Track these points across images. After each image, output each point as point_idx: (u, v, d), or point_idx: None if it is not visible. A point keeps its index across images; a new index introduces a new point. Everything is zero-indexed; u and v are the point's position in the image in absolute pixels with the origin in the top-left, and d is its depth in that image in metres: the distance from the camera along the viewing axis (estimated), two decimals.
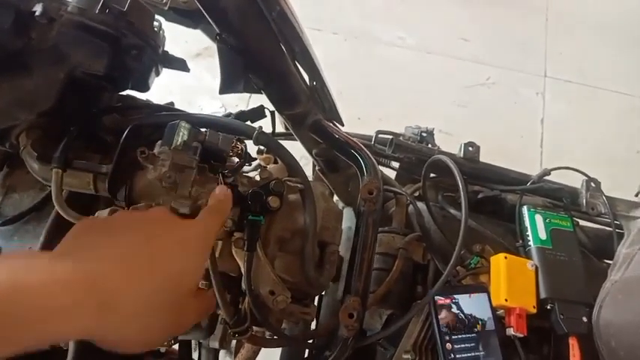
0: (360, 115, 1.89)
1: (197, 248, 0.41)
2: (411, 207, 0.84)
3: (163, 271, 0.37)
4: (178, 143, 0.52)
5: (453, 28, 2.37)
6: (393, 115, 2.00)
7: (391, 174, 0.94)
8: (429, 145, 0.90)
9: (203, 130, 0.56)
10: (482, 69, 2.26)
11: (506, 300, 0.67)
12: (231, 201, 0.49)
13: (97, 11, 0.55)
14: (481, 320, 0.66)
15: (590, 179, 0.85)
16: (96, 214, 0.52)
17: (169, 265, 0.37)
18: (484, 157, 0.89)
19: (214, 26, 0.51)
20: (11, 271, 0.30)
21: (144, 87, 0.63)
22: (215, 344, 0.59)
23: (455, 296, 0.67)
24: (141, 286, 0.35)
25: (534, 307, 0.68)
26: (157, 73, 0.65)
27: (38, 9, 0.54)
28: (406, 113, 2.02)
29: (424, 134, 0.91)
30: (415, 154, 0.84)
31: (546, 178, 0.86)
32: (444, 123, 1.76)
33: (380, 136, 0.85)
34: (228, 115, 0.68)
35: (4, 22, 0.52)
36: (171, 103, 0.69)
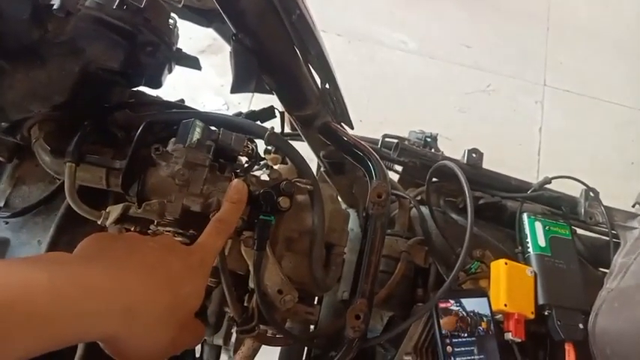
0: (361, 118, 1.90)
1: (200, 274, 0.43)
2: (413, 211, 0.84)
3: (176, 291, 0.39)
4: (192, 141, 0.52)
5: (455, 34, 2.39)
6: (395, 118, 2.01)
7: (393, 177, 0.94)
8: (433, 150, 0.91)
9: (215, 129, 0.57)
10: (483, 76, 2.27)
11: (505, 305, 0.69)
12: (246, 198, 0.49)
13: (114, 7, 0.55)
14: (485, 317, 0.67)
15: (589, 189, 0.86)
16: (107, 210, 0.52)
17: (180, 287, 0.40)
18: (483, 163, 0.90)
19: (231, 27, 0.51)
20: (50, 273, 0.32)
21: (157, 84, 0.64)
22: (219, 341, 0.60)
23: (456, 299, 0.68)
24: (158, 299, 0.37)
25: (532, 312, 0.70)
26: (170, 70, 0.65)
27: (56, 2, 0.54)
28: (407, 117, 2.03)
29: (428, 139, 0.92)
30: (420, 158, 0.85)
31: (546, 186, 0.87)
32: (444, 128, 1.77)
33: (386, 139, 0.86)
34: (239, 114, 0.69)
35: (22, 13, 0.52)
36: (182, 101, 0.69)
